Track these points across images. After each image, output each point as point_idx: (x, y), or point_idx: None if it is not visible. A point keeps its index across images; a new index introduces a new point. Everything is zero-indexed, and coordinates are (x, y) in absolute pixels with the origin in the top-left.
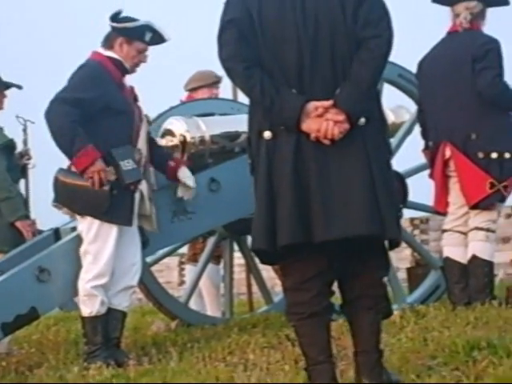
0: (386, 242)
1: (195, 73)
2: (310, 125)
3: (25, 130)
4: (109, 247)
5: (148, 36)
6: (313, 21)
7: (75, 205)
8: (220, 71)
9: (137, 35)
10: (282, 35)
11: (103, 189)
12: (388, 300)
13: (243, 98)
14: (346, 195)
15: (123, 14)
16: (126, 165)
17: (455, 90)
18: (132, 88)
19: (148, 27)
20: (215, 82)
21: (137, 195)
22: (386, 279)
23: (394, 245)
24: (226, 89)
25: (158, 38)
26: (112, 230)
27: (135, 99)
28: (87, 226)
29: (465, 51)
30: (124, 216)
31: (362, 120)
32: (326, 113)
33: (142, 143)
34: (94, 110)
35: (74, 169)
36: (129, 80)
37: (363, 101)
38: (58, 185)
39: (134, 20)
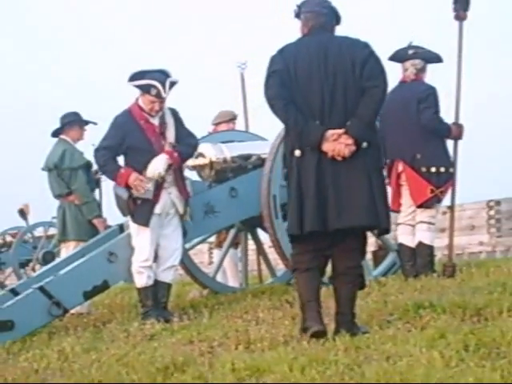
0: (376, 231)
1: (219, 111)
2: (328, 146)
3: None
4: (146, 241)
5: (154, 91)
6: (332, 75)
7: (119, 209)
8: (236, 110)
9: (145, 90)
10: (310, 84)
11: (122, 196)
12: (363, 277)
13: (253, 130)
14: (352, 196)
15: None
16: (147, 185)
17: (405, 123)
18: (160, 124)
19: (150, 85)
20: (232, 118)
21: (168, 202)
22: (363, 262)
23: (384, 232)
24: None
25: (161, 93)
26: (146, 229)
27: (162, 134)
28: (131, 224)
29: (412, 95)
30: (143, 219)
31: (365, 144)
32: (340, 138)
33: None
34: (122, 149)
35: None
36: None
37: (366, 130)
38: (114, 195)
39: (143, 77)
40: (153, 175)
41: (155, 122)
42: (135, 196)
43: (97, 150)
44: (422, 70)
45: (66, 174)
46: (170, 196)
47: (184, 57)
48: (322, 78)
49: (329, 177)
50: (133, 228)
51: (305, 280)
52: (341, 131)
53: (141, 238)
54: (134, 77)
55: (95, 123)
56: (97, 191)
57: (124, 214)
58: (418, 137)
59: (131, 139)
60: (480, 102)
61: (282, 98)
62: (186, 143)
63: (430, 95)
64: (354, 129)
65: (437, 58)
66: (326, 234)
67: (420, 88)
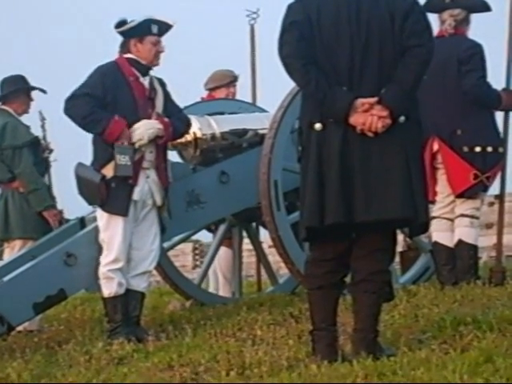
0: (407, 230)
1: (213, 73)
2: (356, 118)
3: (43, 126)
4: (119, 235)
5: (155, 28)
6: (365, 29)
7: (83, 196)
8: (243, 73)
9: (144, 31)
10: (336, 39)
11: (94, 180)
12: (391, 286)
13: (263, 97)
14: (384, 183)
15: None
16: (122, 160)
17: (442, 90)
18: (150, 88)
19: (150, 20)
20: (231, 81)
21: (145, 187)
22: (391, 267)
23: (422, 230)
24: (242, 87)
25: (165, 27)
26: (120, 220)
27: (150, 98)
28: (99, 215)
29: (451, 55)
30: (121, 207)
31: (402, 118)
32: (372, 109)
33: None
34: (103, 103)
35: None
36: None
37: (405, 100)
38: (75, 178)
39: (134, 21)
40: (139, 139)
41: (145, 83)
42: (113, 175)
43: (74, 97)
44: (463, 22)
45: (8, 154)
46: (147, 180)
47: (180, 2)
48: (353, 33)
49: (356, 156)
50: (101, 220)
51: (317, 300)
52: (373, 100)
53: (111, 232)
54: (122, 24)
55: (44, 91)
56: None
57: (92, 202)
58: (459, 108)
59: (116, 95)
60: None
61: (300, 57)
62: (180, 118)
63: (475, 55)
64: (390, 98)
65: (483, 6)
66: (349, 232)
67: (461, 45)
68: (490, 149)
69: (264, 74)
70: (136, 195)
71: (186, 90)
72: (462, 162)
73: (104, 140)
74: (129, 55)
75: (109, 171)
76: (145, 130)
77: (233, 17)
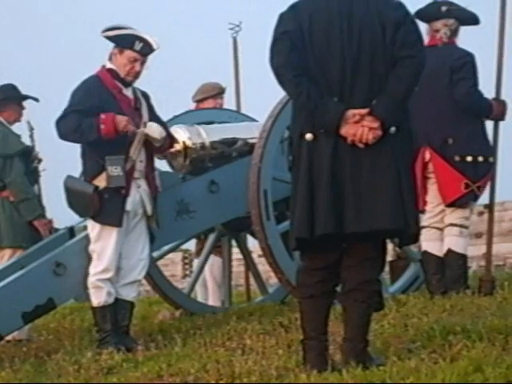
0: (397, 240)
1: (201, 85)
2: (347, 129)
3: (31, 136)
4: (111, 246)
5: (138, 45)
6: (356, 39)
7: (74, 208)
8: (228, 84)
9: (127, 44)
10: (328, 49)
11: (87, 191)
12: (381, 295)
13: (247, 107)
14: (375, 193)
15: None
16: (114, 171)
17: (434, 99)
18: (135, 98)
19: (136, 36)
20: (219, 92)
21: (137, 197)
22: (381, 276)
23: (412, 240)
24: (227, 98)
25: (148, 48)
26: (113, 230)
27: (136, 108)
28: (91, 227)
29: (443, 64)
30: (114, 218)
31: (393, 129)
32: (363, 120)
33: (134, 151)
34: (90, 116)
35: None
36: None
37: (396, 112)
38: (65, 190)
39: (123, 28)
40: (159, 136)
41: (129, 94)
42: (105, 186)
43: (63, 117)
44: (455, 33)
45: None
46: (138, 190)
47: (164, 16)
48: (344, 44)
49: (347, 167)
50: (93, 231)
51: (308, 309)
52: (364, 111)
53: (103, 243)
54: (110, 29)
55: (36, 99)
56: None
57: (84, 214)
58: (450, 117)
59: (104, 109)
60: None
61: (291, 68)
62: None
63: (467, 63)
64: (381, 109)
65: (474, 19)
66: (340, 241)
67: (454, 54)
68: (480, 158)
69: (247, 85)
70: (128, 206)
71: (170, 102)
72: (454, 172)
73: (105, 140)
74: (110, 65)
75: (101, 182)
76: (158, 126)
77: (216, 30)
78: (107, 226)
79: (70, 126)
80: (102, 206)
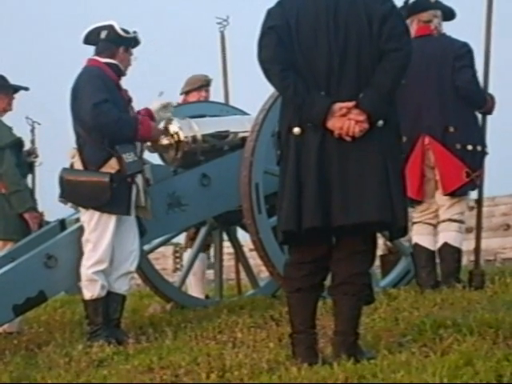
0: (387, 232)
1: (188, 78)
2: (334, 123)
3: (32, 131)
4: (107, 236)
5: (136, 44)
6: (343, 33)
7: (79, 199)
8: (215, 77)
9: (134, 43)
10: (315, 44)
11: (103, 181)
12: (371, 289)
13: (235, 100)
14: (362, 186)
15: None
16: (128, 157)
17: (433, 86)
18: (126, 90)
19: (137, 39)
20: (202, 85)
21: (134, 188)
22: (371, 269)
23: (401, 233)
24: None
25: (136, 44)
26: (111, 220)
27: (129, 100)
28: (89, 216)
29: (445, 51)
30: (123, 207)
31: (380, 122)
32: (349, 113)
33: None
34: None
35: (76, 166)
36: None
37: (383, 104)
38: (63, 182)
39: (128, 32)
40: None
41: (122, 86)
42: (129, 173)
43: (96, 106)
44: (441, 24)
45: None
46: (136, 181)
47: (151, 9)
48: (331, 38)
49: (334, 161)
50: (91, 221)
51: (296, 303)
52: (351, 104)
53: (100, 232)
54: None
55: (27, 88)
56: (29, 178)
57: (94, 204)
58: (451, 105)
59: (113, 97)
60: None
61: (278, 62)
62: None
63: (469, 52)
64: (367, 102)
65: (452, 13)
66: (328, 235)
67: (455, 43)
68: (479, 148)
69: (235, 79)
70: (133, 195)
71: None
72: (455, 160)
73: (136, 139)
74: (109, 60)
75: (109, 171)
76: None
77: (204, 25)
78: (105, 216)
79: (111, 117)
80: (111, 195)
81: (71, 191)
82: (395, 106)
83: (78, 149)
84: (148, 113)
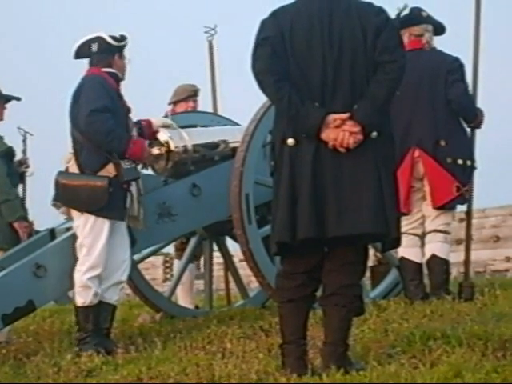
0: (380, 244)
1: (176, 88)
2: (328, 134)
3: (24, 141)
4: (101, 240)
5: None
6: (337, 45)
7: (75, 203)
8: (203, 87)
9: (124, 48)
10: (309, 55)
11: (102, 184)
12: (362, 300)
13: (223, 109)
14: (356, 198)
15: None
16: (126, 163)
17: (425, 100)
18: (125, 100)
19: (126, 43)
20: (190, 95)
21: (128, 196)
22: (362, 281)
23: (394, 245)
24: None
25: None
26: (104, 225)
27: (128, 110)
28: (83, 221)
29: (438, 65)
30: (118, 212)
31: (374, 133)
32: (343, 124)
33: None
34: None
35: (71, 170)
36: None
37: (377, 116)
38: (59, 186)
39: (117, 38)
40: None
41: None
42: (126, 179)
43: (93, 113)
44: (432, 39)
45: None
46: (130, 189)
47: (139, 20)
48: (325, 49)
49: (328, 172)
50: (86, 226)
51: (287, 313)
52: (345, 116)
53: (94, 236)
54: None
55: (19, 98)
56: (20, 187)
57: (90, 208)
58: (442, 119)
59: (114, 106)
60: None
61: (272, 73)
62: None
63: (462, 67)
64: (361, 113)
65: (442, 28)
66: (321, 246)
67: (448, 58)
68: (469, 162)
69: (224, 87)
70: (127, 203)
71: (145, 106)
72: (445, 174)
73: (124, 157)
74: (108, 69)
75: (106, 175)
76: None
77: (192, 34)
78: (100, 220)
79: (106, 126)
80: (108, 199)
81: (67, 195)
82: (389, 118)
83: (74, 153)
84: (148, 123)
